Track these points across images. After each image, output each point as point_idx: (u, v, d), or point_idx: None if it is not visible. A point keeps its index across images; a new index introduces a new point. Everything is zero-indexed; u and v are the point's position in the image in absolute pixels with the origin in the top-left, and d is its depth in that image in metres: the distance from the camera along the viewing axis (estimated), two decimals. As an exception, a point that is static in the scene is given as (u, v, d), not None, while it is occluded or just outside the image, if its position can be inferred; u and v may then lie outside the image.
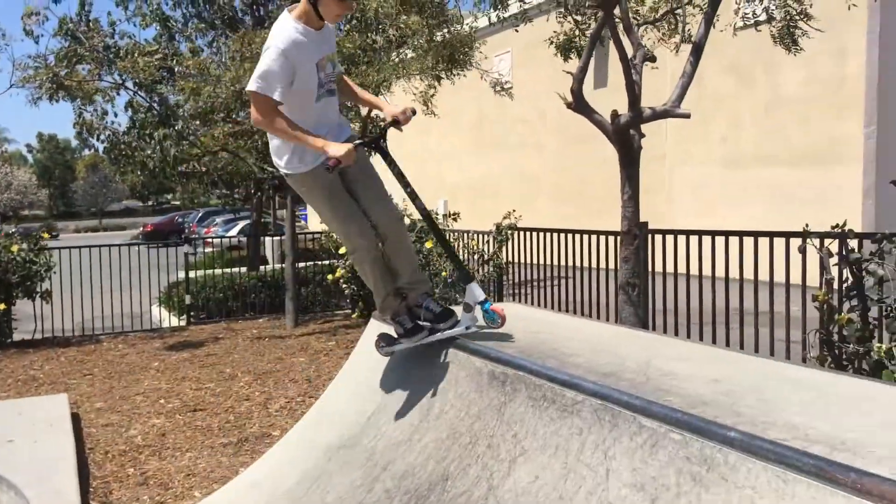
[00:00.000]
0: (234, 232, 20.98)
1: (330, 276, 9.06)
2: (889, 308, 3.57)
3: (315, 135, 3.25)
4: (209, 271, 11.39)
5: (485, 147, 19.79)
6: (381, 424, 3.41)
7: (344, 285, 8.91)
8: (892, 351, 3.35)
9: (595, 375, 2.67)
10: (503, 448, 2.70)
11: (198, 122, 9.68)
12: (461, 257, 8.43)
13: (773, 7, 5.94)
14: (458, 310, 3.44)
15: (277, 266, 12.18)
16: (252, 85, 3.18)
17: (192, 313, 10.66)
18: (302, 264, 10.92)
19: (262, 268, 12.33)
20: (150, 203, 67.05)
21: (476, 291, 3.32)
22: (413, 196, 3.40)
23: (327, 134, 3.32)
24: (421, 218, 3.50)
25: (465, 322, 3.37)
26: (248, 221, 17.05)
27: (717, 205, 13.30)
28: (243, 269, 11.72)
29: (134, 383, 7.16)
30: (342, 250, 8.60)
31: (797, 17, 5.74)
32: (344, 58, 8.58)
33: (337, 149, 3.17)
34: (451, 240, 8.76)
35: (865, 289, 3.68)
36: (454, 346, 3.36)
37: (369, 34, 8.23)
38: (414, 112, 3.52)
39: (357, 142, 3.35)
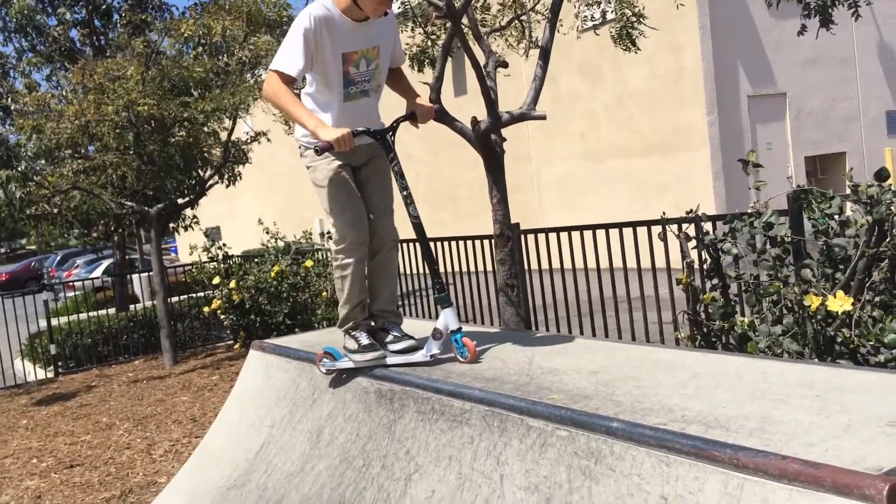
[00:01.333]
0: (97, 272, 19.88)
1: (206, 308, 8.72)
2: (746, 283, 3.80)
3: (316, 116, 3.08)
4: (74, 316, 10.71)
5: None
6: (271, 457, 3.30)
7: (222, 316, 8.60)
8: (755, 323, 3.56)
9: (480, 382, 2.69)
10: (397, 466, 2.67)
11: (43, 161, 9.09)
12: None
13: (609, 10, 6.24)
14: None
15: (149, 303, 11.62)
16: (274, 64, 3.06)
17: (59, 363, 9.99)
18: (175, 298, 10.47)
19: (132, 307, 11.73)
20: (1, 250, 62.47)
21: (450, 318, 3.04)
22: (408, 200, 3.12)
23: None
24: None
25: (431, 349, 3.06)
26: (112, 260, 16.18)
27: (584, 197, 13.82)
28: (112, 311, 11.10)
29: (1, 445, 6.62)
30: (216, 280, 8.30)
31: (632, 19, 6.04)
32: (196, 82, 8.31)
33: (329, 132, 2.95)
34: (326, 257, 8.64)
35: (723, 267, 3.90)
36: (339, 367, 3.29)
37: (219, 57, 8.00)
38: (436, 113, 3.29)
39: (359, 129, 3.06)
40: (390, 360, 3.14)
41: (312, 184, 3.31)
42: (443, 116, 3.48)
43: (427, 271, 3.23)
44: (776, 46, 12.79)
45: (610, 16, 6.39)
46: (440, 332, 3.05)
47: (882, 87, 14.55)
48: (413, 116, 3.27)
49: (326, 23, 3.03)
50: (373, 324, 3.36)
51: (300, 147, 3.33)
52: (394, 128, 3.20)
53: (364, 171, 3.30)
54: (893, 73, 14.71)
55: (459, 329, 3.05)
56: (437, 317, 3.14)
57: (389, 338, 3.28)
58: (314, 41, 3.02)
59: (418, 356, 3.10)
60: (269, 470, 3.22)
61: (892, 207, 3.14)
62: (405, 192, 3.12)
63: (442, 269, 7.52)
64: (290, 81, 3.06)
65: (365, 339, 3.21)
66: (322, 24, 3.02)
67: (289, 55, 3.04)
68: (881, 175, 3.22)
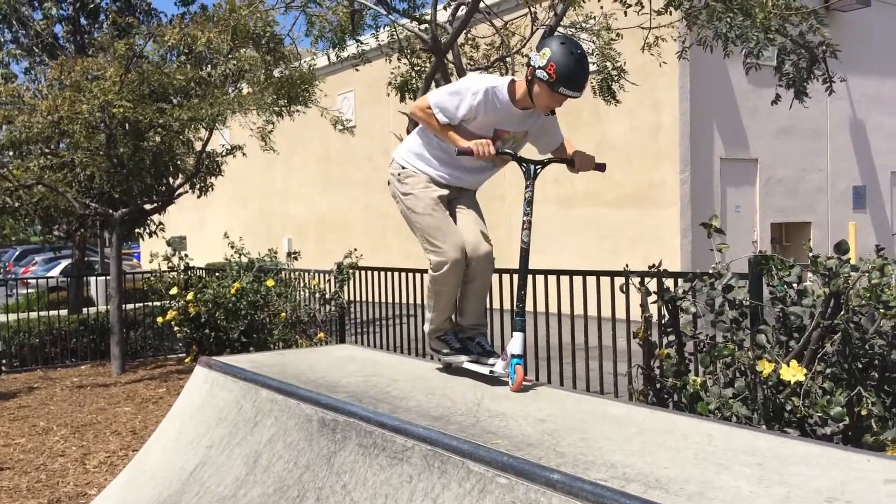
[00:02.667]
0: (55, 272, 19.46)
1: (161, 319, 8.54)
2: (702, 343, 3.80)
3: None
4: (25, 314, 10.43)
5: (332, 184, 19.65)
6: (204, 479, 3.19)
7: (176, 328, 8.43)
8: (707, 383, 3.55)
9: (426, 419, 2.64)
10: (332, 500, 2.60)
11: (11, 153, 8.92)
12: (301, 296, 8.23)
13: (592, 62, 6.34)
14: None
15: (103, 308, 11.37)
16: (432, 97, 3.31)
17: (3, 361, 9.69)
18: (131, 305, 10.25)
19: (86, 310, 11.46)
20: (-41, 240, 60.98)
21: (516, 343, 3.18)
22: (525, 226, 3.29)
23: (467, 172, 3.42)
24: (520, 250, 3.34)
25: (495, 365, 3.30)
26: (70, 261, 15.87)
27: (555, 242, 13.89)
28: (64, 312, 10.83)
29: (-74, 443, 6.37)
30: (173, 291, 8.15)
31: (614, 73, 6.13)
32: (175, 90, 8.24)
33: (466, 142, 3.18)
34: (293, 279, 8.54)
35: (681, 325, 3.90)
36: (284, 392, 3.22)
37: (202, 67, 7.95)
38: (598, 167, 3.42)
39: (505, 150, 3.29)
40: (472, 366, 3.41)
41: (407, 210, 3.48)
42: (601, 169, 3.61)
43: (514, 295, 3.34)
44: (752, 113, 13.07)
45: (592, 67, 6.48)
46: (506, 354, 3.21)
47: (851, 163, 14.92)
48: (572, 163, 3.40)
49: (496, 103, 3.24)
50: (459, 334, 3.59)
51: (398, 173, 3.50)
52: (544, 163, 3.38)
53: (457, 200, 3.51)
54: (863, 150, 15.10)
55: (519, 356, 3.15)
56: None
57: (476, 348, 3.54)
58: (473, 111, 3.24)
59: (482, 367, 3.34)
60: (200, 492, 3.12)
61: (849, 281, 3.17)
62: (526, 218, 3.28)
63: (406, 301, 7.49)
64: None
65: (456, 343, 3.55)
66: (491, 103, 3.24)
67: (447, 107, 3.27)
68: (841, 248, 3.26)
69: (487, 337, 3.48)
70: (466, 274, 3.43)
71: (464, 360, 3.46)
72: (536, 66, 3.12)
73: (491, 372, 3.28)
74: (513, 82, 3.31)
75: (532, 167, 3.29)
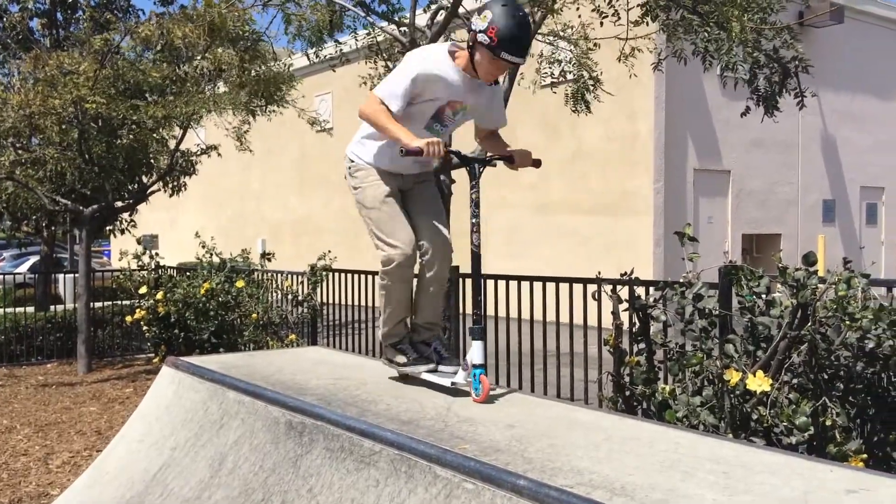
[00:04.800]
0: (23, 268, 19.13)
1: (129, 318, 8.43)
2: (671, 351, 3.83)
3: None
4: (-10, 311, 10.24)
5: (307, 185, 19.56)
6: (168, 481, 3.15)
7: (145, 327, 8.32)
8: (675, 391, 3.58)
9: (395, 423, 2.62)
10: (297, 504, 2.57)
11: (-19, 147, 8.77)
12: (273, 297, 8.17)
13: (568, 71, 6.37)
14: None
15: (71, 305, 11.20)
16: (378, 90, 3.17)
17: (-34, 358, 9.51)
18: (99, 304, 10.10)
19: (53, 308, 11.27)
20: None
21: (476, 352, 3.05)
22: (475, 229, 3.15)
23: (403, 159, 3.23)
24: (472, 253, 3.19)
25: (458, 378, 3.15)
26: (39, 257, 15.62)
27: (531, 248, 13.93)
28: (31, 309, 10.65)
29: None
30: (142, 290, 8.05)
31: (589, 82, 6.17)
32: (151, 87, 8.15)
33: (420, 141, 3.02)
34: (265, 280, 8.47)
35: (651, 333, 3.93)
36: (252, 394, 3.18)
37: (179, 65, 7.87)
38: (535, 163, 3.36)
39: (451, 149, 3.19)
40: (431, 377, 3.27)
41: (359, 204, 3.38)
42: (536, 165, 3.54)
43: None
44: (725, 125, 13.23)
45: (570, 76, 6.52)
46: (467, 364, 3.08)
47: (822, 177, 15.15)
48: (511, 160, 3.32)
49: (443, 67, 3.16)
50: (414, 337, 3.45)
51: (349, 166, 3.41)
52: (487, 161, 3.27)
53: (411, 193, 3.39)
54: (833, 164, 15.35)
55: (482, 366, 3.04)
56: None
57: (434, 356, 3.39)
58: (421, 86, 3.13)
59: (443, 380, 3.20)
60: (164, 494, 3.07)
61: (816, 293, 3.21)
62: (475, 220, 3.15)
63: (378, 305, 7.45)
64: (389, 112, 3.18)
65: (413, 354, 3.39)
66: (436, 67, 3.15)
67: (395, 91, 3.13)
68: (808, 259, 3.30)
69: (446, 342, 3.41)
70: (421, 268, 3.34)
71: (422, 371, 3.32)
72: (478, 31, 3.02)
73: (452, 384, 3.17)
74: (454, 49, 3.23)
75: (476, 167, 3.19)
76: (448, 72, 3.16)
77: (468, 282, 6.27)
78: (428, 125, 3.26)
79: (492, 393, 3.15)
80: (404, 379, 3.49)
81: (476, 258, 3.18)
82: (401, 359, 3.42)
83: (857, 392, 3.31)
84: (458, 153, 3.24)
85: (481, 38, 3.01)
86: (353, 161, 3.41)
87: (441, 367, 3.33)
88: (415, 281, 3.46)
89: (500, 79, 3.43)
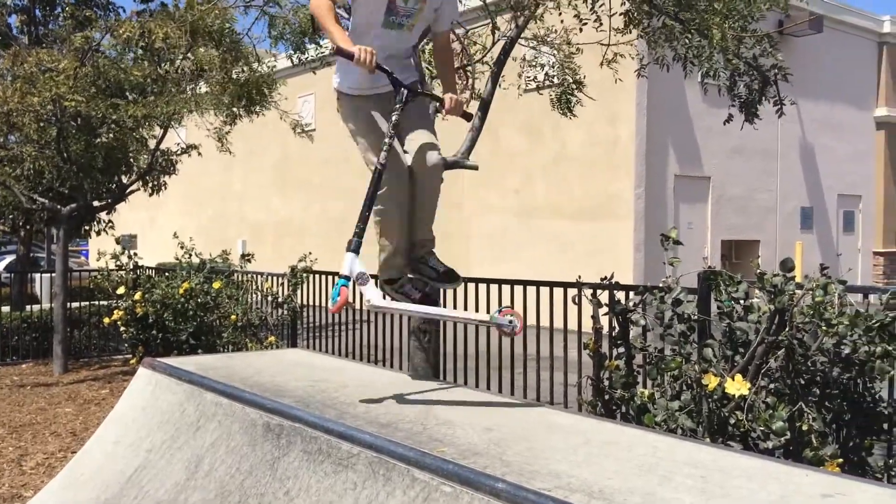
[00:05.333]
0: (-1, 267, 18.88)
1: (107, 319, 8.34)
2: (650, 355, 3.84)
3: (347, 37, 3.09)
4: (-36, 310, 10.09)
5: (289, 187, 19.46)
6: (144, 483, 3.11)
7: (122, 328, 8.23)
8: (654, 396, 3.59)
9: (373, 426, 2.61)
10: (274, 506, 2.55)
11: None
12: (253, 299, 8.12)
13: (552, 75, 6.40)
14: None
15: (48, 305, 11.06)
16: None
17: (-61, 358, 9.36)
18: (76, 304, 9.98)
19: (29, 307, 11.13)
20: None
21: (346, 263, 2.97)
22: (386, 147, 3.05)
23: (389, 62, 3.15)
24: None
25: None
26: (15, 256, 15.42)
27: (513, 252, 13.95)
28: (6, 309, 10.50)
29: None
30: (120, 290, 7.97)
31: (572, 86, 6.19)
32: (132, 86, 8.08)
33: (352, 46, 2.97)
34: (245, 281, 8.42)
35: (630, 337, 3.94)
36: (229, 396, 3.16)
37: (160, 64, 7.81)
38: (466, 116, 3.33)
39: (385, 67, 3.06)
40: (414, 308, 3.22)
41: (350, 135, 3.37)
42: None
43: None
44: (706, 132, 13.34)
45: (554, 80, 6.54)
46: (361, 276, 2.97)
47: (800, 184, 15.32)
48: (441, 102, 3.26)
49: None
50: (411, 255, 3.36)
51: (337, 101, 3.39)
52: (415, 91, 3.22)
53: (404, 113, 3.23)
54: (811, 172, 15.52)
55: (346, 277, 2.95)
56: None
57: (430, 272, 3.34)
58: None
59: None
60: (139, 496, 3.04)
61: (793, 298, 3.24)
62: (388, 141, 3.06)
63: (358, 307, 7.43)
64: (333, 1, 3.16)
65: (416, 294, 3.33)
66: None
67: None
68: (786, 265, 3.33)
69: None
70: (413, 186, 3.29)
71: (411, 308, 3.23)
72: None
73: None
74: None
75: (404, 92, 3.12)
76: None
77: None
78: (384, 21, 3.21)
79: (478, 394, 3.15)
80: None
81: (378, 175, 3.07)
82: (403, 300, 3.34)
83: (833, 397, 3.34)
84: (389, 73, 3.11)
85: None
86: (335, 89, 3.40)
87: (438, 284, 3.33)
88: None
89: (483, 82, 3.41)
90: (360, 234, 3.03)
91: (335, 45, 3.03)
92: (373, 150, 3.21)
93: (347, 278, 2.94)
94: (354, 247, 3.01)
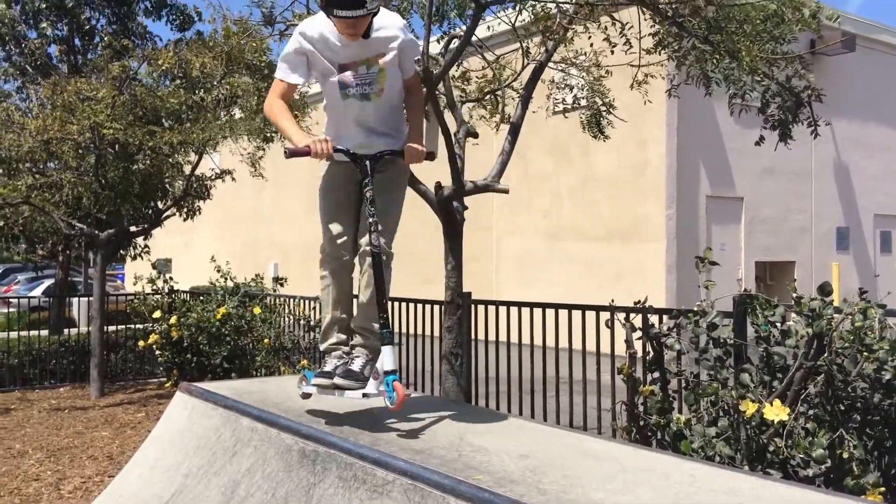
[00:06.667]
0: (38, 291, 19.27)
1: (142, 342, 8.46)
2: (686, 381, 3.80)
3: (300, 128, 3.19)
4: (4, 334, 10.30)
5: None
6: (181, 509, 3.14)
7: (157, 351, 8.35)
8: (690, 422, 3.55)
9: (407, 452, 2.62)
10: (310, 533, 2.56)
11: (0, 171, 8.88)
12: (285, 322, 8.18)
13: (582, 97, 6.41)
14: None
15: (85, 329, 11.25)
16: (277, 73, 3.25)
17: (-20, 381, 9.55)
18: (113, 327, 10.14)
19: (67, 331, 11.33)
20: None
21: (387, 358, 2.93)
22: (372, 228, 3.03)
23: (361, 135, 3.22)
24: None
25: (370, 388, 3.00)
26: (53, 280, 15.74)
27: (541, 274, 13.92)
28: (45, 333, 10.71)
29: None
30: (156, 314, 8.09)
31: (602, 108, 6.20)
32: (168, 113, 8.25)
33: (307, 138, 3.02)
34: (277, 305, 8.49)
35: (665, 362, 3.91)
36: (265, 421, 3.18)
37: (196, 92, 7.97)
38: (429, 157, 3.27)
39: (339, 147, 3.08)
40: (336, 393, 3.06)
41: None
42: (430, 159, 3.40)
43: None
44: (738, 152, 13.23)
45: (582, 102, 6.55)
46: (378, 373, 2.97)
47: (835, 204, 15.09)
48: (401, 154, 3.23)
49: (323, 32, 3.13)
50: (350, 349, 3.28)
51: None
52: (377, 157, 3.18)
53: (365, 186, 3.23)
54: (846, 192, 15.29)
55: (394, 371, 2.93)
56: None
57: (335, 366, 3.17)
58: (306, 57, 3.17)
59: (356, 393, 3.02)
60: (176, 521, 3.07)
61: (832, 323, 3.19)
62: (371, 220, 3.05)
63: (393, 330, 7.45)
64: (290, 88, 3.24)
65: (329, 367, 3.17)
66: (316, 33, 3.14)
67: (286, 61, 3.21)
68: (824, 290, 3.28)
69: (379, 361, 3.01)
70: (358, 264, 3.26)
71: (326, 384, 3.04)
72: None
73: (364, 395, 3.00)
74: None
75: (368, 163, 3.11)
76: (327, 34, 3.13)
77: (481, 308, 6.26)
78: (343, 97, 3.18)
79: (512, 420, 3.13)
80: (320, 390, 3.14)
81: (376, 258, 3.05)
82: (327, 367, 3.19)
83: (874, 424, 3.27)
84: (346, 151, 3.11)
85: (317, 1, 3.03)
86: None
87: (342, 381, 3.05)
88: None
89: (513, 106, 3.40)
90: (386, 323, 3.03)
91: (287, 147, 3.06)
92: (323, 212, 3.28)
93: (395, 372, 2.94)
94: (389, 339, 2.98)
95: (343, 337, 3.31)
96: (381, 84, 3.20)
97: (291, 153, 3.02)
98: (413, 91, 3.42)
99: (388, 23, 3.18)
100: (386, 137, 3.31)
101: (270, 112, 3.24)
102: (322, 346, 3.35)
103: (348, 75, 3.16)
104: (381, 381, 2.95)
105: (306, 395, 3.34)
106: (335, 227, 3.23)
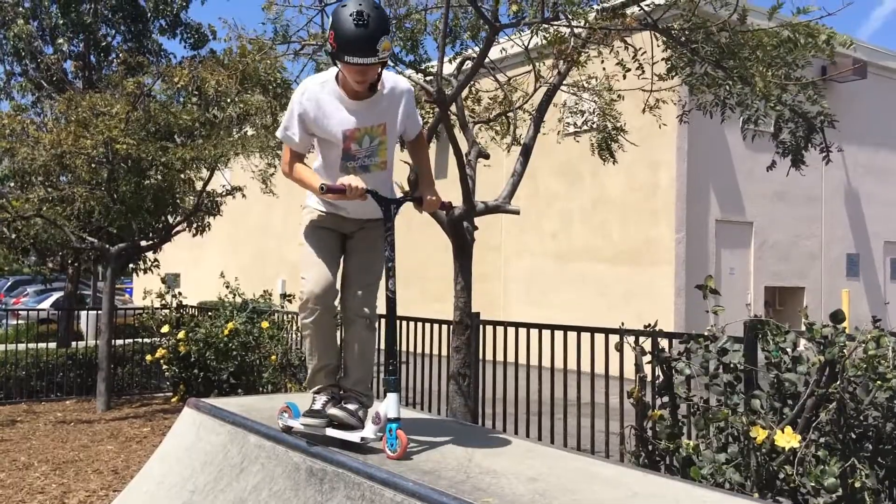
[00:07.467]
0: (46, 304, 19.33)
1: (149, 357, 8.48)
2: (696, 406, 3.78)
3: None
4: (13, 346, 10.33)
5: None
6: (186, 525, 3.13)
7: (165, 366, 8.36)
8: (700, 447, 3.52)
9: (416, 473, 2.60)
10: (316, 553, 2.55)
11: (12, 184, 8.97)
12: (292, 339, 8.18)
13: (592, 121, 6.45)
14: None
15: (92, 342, 11.28)
16: (278, 132, 3.18)
17: (-14, 393, 9.56)
18: (120, 341, 10.16)
19: (74, 344, 11.36)
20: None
21: (391, 405, 2.87)
22: (391, 273, 3.01)
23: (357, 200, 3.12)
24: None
25: (368, 433, 2.93)
26: (62, 293, 15.80)
27: (550, 295, 13.89)
28: (52, 345, 10.73)
29: None
30: (164, 329, 8.11)
31: (613, 132, 6.23)
32: (181, 129, 8.31)
33: (344, 179, 2.95)
34: (285, 321, 8.49)
35: (675, 386, 3.88)
36: (273, 438, 3.18)
37: (210, 109, 8.04)
38: (444, 207, 3.23)
39: (366, 188, 2.99)
40: (325, 430, 3.02)
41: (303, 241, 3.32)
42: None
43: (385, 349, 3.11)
44: (748, 176, 13.23)
45: (593, 125, 6.58)
46: (379, 418, 2.91)
47: (845, 230, 15.04)
48: (420, 201, 3.21)
49: (322, 102, 3.04)
50: (341, 392, 3.22)
51: (302, 207, 3.37)
52: (399, 202, 3.15)
53: (351, 241, 3.28)
54: (857, 218, 15.24)
55: (397, 420, 2.87)
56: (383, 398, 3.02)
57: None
58: (308, 120, 3.06)
59: (352, 435, 2.97)
60: (182, 538, 3.05)
61: (844, 350, 3.17)
62: (390, 264, 3.03)
63: (401, 349, 7.43)
64: (299, 154, 3.15)
65: (318, 405, 3.11)
66: (316, 104, 3.04)
67: (290, 124, 3.11)
68: (836, 317, 3.27)
69: (383, 406, 2.93)
70: (344, 320, 3.20)
71: (316, 423, 3.02)
72: (328, 41, 2.85)
73: (362, 439, 2.94)
74: (339, 72, 3.04)
75: (392, 207, 3.08)
76: (328, 101, 3.05)
77: (490, 328, 6.25)
78: (342, 167, 3.13)
79: (521, 442, 3.10)
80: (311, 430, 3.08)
81: (391, 303, 3.03)
82: (317, 405, 3.13)
83: (886, 453, 3.24)
84: (375, 193, 3.05)
85: (327, 48, 2.93)
86: (303, 206, 3.36)
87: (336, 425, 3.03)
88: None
89: (524, 128, 3.42)
90: (394, 370, 3.00)
91: (322, 189, 2.98)
92: (308, 258, 3.18)
93: (397, 420, 2.89)
94: (395, 386, 2.95)
95: (332, 381, 3.24)
96: (382, 157, 3.18)
97: (328, 189, 2.98)
98: (420, 147, 3.40)
99: (393, 87, 3.13)
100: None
101: (292, 176, 3.17)
102: (311, 389, 3.25)
103: (352, 147, 3.10)
104: (382, 427, 2.89)
105: (287, 429, 3.20)
106: (323, 272, 3.12)
